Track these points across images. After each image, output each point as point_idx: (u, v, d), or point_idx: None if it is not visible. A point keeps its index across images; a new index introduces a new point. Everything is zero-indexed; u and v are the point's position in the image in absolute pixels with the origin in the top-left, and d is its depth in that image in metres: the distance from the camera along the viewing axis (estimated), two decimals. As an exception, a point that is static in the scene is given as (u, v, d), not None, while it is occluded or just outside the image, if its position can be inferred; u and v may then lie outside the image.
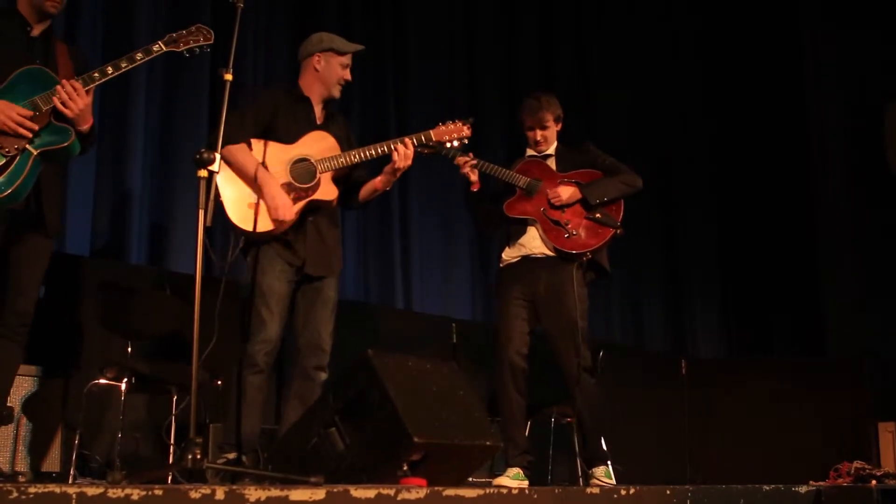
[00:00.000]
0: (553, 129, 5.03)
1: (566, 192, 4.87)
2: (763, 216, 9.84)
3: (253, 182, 4.23)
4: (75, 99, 3.58)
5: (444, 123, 4.61)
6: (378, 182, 4.55)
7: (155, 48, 3.75)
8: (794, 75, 9.87)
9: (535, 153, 5.07)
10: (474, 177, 4.90)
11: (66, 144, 3.58)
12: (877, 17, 9.05)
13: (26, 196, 3.55)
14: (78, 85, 3.59)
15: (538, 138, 5.03)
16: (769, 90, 9.98)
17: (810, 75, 9.73)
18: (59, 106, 3.56)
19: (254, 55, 6.72)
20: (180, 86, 6.30)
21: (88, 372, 4.96)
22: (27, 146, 3.49)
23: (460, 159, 4.85)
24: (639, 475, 5.74)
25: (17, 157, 3.46)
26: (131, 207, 5.95)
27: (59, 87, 3.57)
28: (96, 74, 3.63)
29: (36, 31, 3.76)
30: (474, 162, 4.89)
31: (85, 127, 3.68)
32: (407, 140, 4.44)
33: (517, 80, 8.53)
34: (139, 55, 3.70)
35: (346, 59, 4.53)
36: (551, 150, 5.06)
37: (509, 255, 4.98)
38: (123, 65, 3.67)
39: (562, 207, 4.86)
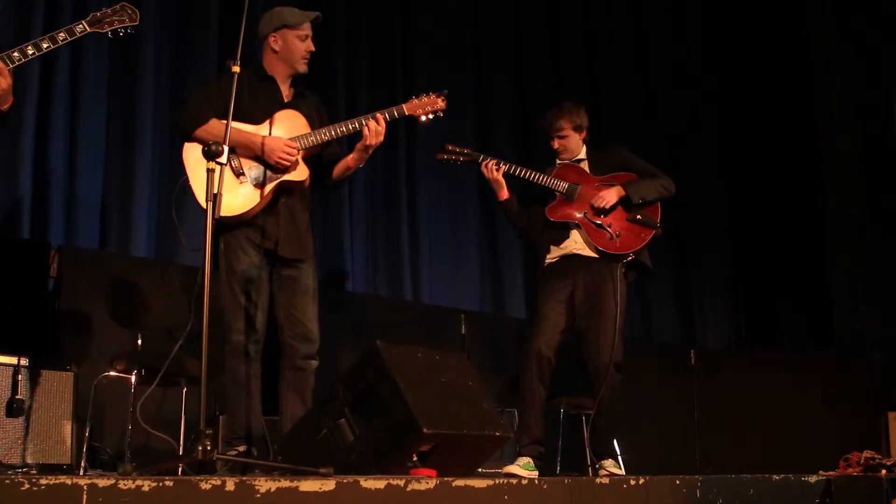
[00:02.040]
0: (574, 138, 5.06)
1: (610, 195, 4.91)
2: (773, 207, 9.80)
3: (241, 148, 4.15)
4: None
5: (416, 97, 4.52)
6: (350, 160, 4.42)
7: (78, 28, 3.64)
8: (802, 62, 9.82)
9: (567, 160, 5.09)
10: (502, 180, 4.98)
11: None
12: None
13: None
14: (0, 65, 3.47)
15: (555, 146, 5.09)
16: (778, 78, 9.93)
17: (819, 63, 9.68)
18: None
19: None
20: (188, 78, 6.30)
21: (98, 364, 4.97)
22: None
23: (489, 165, 4.92)
24: (648, 465, 5.75)
25: None
26: (140, 200, 5.96)
27: None
28: (16, 54, 3.51)
29: None
30: (504, 168, 4.94)
31: (5, 107, 3.55)
32: (378, 115, 4.34)
33: (524, 70, 8.52)
34: (62, 35, 3.59)
35: (304, 31, 4.36)
36: (582, 154, 5.11)
37: (551, 256, 5.02)
38: (45, 45, 3.55)
39: (606, 211, 4.90)
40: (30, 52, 3.55)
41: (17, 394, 4.36)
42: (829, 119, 9.54)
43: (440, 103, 4.52)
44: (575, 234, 4.95)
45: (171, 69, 6.26)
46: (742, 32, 10.21)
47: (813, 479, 4.47)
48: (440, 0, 8.03)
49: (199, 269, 3.56)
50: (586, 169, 5.06)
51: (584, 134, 5.09)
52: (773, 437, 7.77)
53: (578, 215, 4.93)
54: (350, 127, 4.31)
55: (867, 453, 5.57)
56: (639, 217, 4.92)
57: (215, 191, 3.41)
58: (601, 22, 9.36)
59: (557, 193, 4.98)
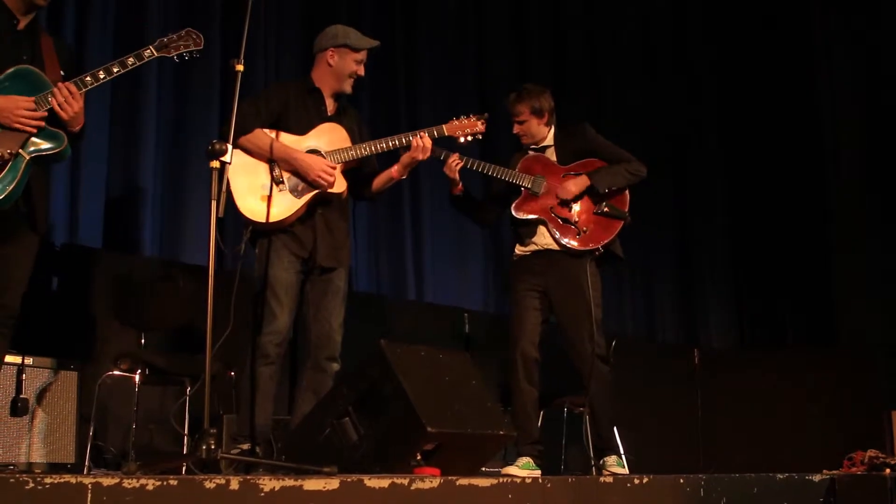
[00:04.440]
0: (533, 123, 4.92)
1: (575, 186, 4.81)
2: (775, 205, 9.80)
3: (281, 162, 4.25)
4: (71, 102, 3.52)
5: (457, 118, 4.59)
6: (394, 171, 4.51)
7: (146, 53, 3.73)
8: (805, 63, 9.82)
9: (532, 146, 4.98)
10: (458, 177, 4.85)
11: (59, 150, 3.54)
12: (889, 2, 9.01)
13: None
14: (73, 88, 3.54)
15: (515, 131, 4.98)
16: (781, 78, 9.93)
17: (822, 64, 9.68)
18: (57, 108, 3.50)
19: (264, 46, 6.72)
20: (192, 77, 6.30)
21: (102, 364, 4.98)
22: (20, 151, 3.43)
23: (451, 162, 4.76)
24: (652, 465, 5.75)
25: (10, 162, 3.41)
26: (144, 199, 5.96)
27: (55, 89, 3.52)
28: (88, 79, 3.59)
29: (22, 24, 3.66)
30: (461, 164, 4.78)
31: (78, 128, 3.64)
32: (423, 133, 4.44)
33: (529, 72, 8.52)
34: (131, 60, 3.67)
35: (361, 56, 4.49)
36: (549, 140, 4.98)
37: (521, 250, 4.95)
38: (115, 69, 3.63)
39: (570, 203, 4.82)
40: (101, 76, 3.62)
41: (21, 393, 4.37)
42: (832, 119, 9.54)
43: (479, 126, 4.59)
44: (542, 230, 4.86)
45: (175, 68, 6.25)
46: (744, 33, 10.21)
47: (817, 478, 4.47)
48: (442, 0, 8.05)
49: (233, 271, 3.67)
50: (553, 157, 4.94)
51: (545, 118, 4.93)
52: (776, 436, 7.77)
53: (544, 211, 4.84)
54: (391, 143, 4.42)
55: (871, 452, 5.58)
56: (606, 209, 4.80)
57: (221, 189, 3.42)
58: (604, 19, 9.36)
59: (523, 188, 4.89)
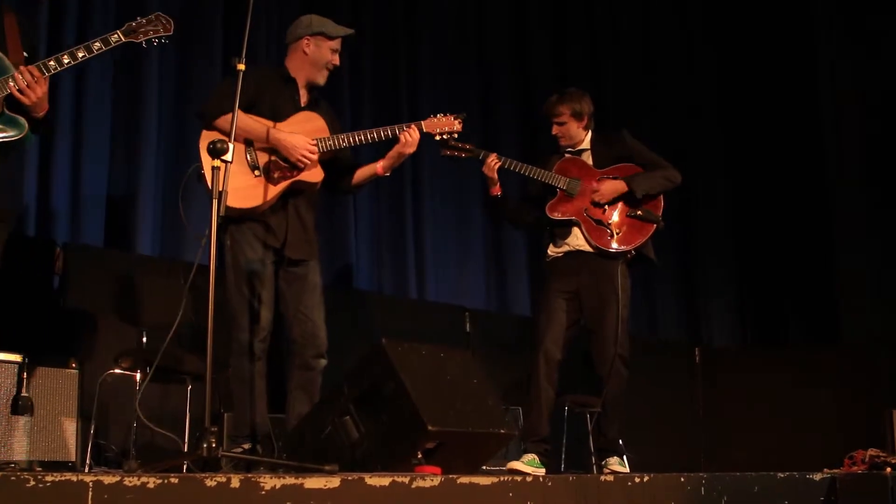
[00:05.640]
0: (573, 125, 4.98)
1: (609, 189, 4.87)
2: (778, 203, 9.79)
3: (261, 142, 4.21)
4: (34, 87, 3.46)
5: (435, 116, 4.59)
6: (379, 167, 4.50)
7: (113, 38, 3.65)
8: (807, 58, 9.80)
9: (568, 149, 5.03)
10: (496, 176, 4.89)
11: (20, 137, 3.48)
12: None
13: None
14: (36, 72, 3.47)
15: (554, 132, 5.03)
16: (783, 78, 9.92)
17: (824, 58, 9.67)
18: (17, 94, 3.44)
19: (266, 45, 6.71)
20: (193, 76, 6.30)
21: (103, 362, 4.98)
22: None
23: (490, 161, 4.83)
24: (653, 463, 5.74)
25: None
26: (145, 198, 5.96)
27: (17, 73, 3.45)
28: (52, 63, 3.51)
29: None
30: (499, 164, 4.84)
31: (42, 114, 3.57)
32: (413, 126, 4.43)
33: (529, 72, 8.52)
34: (97, 45, 3.59)
35: (336, 44, 4.45)
36: (586, 143, 5.04)
37: (554, 251, 5.00)
38: (80, 54, 3.56)
39: (604, 206, 4.86)
40: (65, 60, 3.56)
41: (22, 391, 4.36)
42: (833, 118, 9.53)
43: (456, 125, 4.59)
44: (576, 231, 4.92)
45: (176, 66, 6.27)
46: (745, 31, 10.20)
47: (818, 476, 4.46)
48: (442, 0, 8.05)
49: (202, 265, 3.57)
50: (589, 161, 5.00)
51: (585, 121, 5.00)
52: (777, 434, 7.77)
53: (578, 212, 4.90)
54: (373, 136, 4.38)
55: (872, 451, 5.57)
56: (639, 213, 4.88)
57: (221, 188, 3.40)
58: (604, 19, 9.35)
59: (558, 190, 4.94)
